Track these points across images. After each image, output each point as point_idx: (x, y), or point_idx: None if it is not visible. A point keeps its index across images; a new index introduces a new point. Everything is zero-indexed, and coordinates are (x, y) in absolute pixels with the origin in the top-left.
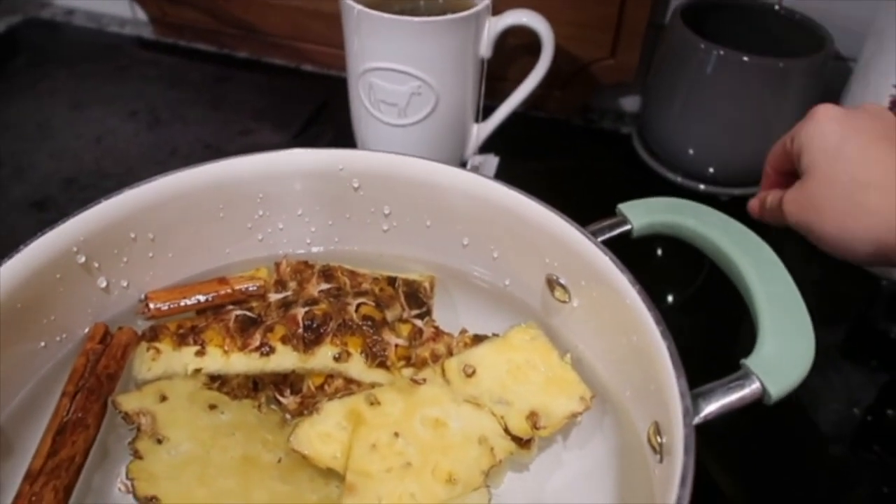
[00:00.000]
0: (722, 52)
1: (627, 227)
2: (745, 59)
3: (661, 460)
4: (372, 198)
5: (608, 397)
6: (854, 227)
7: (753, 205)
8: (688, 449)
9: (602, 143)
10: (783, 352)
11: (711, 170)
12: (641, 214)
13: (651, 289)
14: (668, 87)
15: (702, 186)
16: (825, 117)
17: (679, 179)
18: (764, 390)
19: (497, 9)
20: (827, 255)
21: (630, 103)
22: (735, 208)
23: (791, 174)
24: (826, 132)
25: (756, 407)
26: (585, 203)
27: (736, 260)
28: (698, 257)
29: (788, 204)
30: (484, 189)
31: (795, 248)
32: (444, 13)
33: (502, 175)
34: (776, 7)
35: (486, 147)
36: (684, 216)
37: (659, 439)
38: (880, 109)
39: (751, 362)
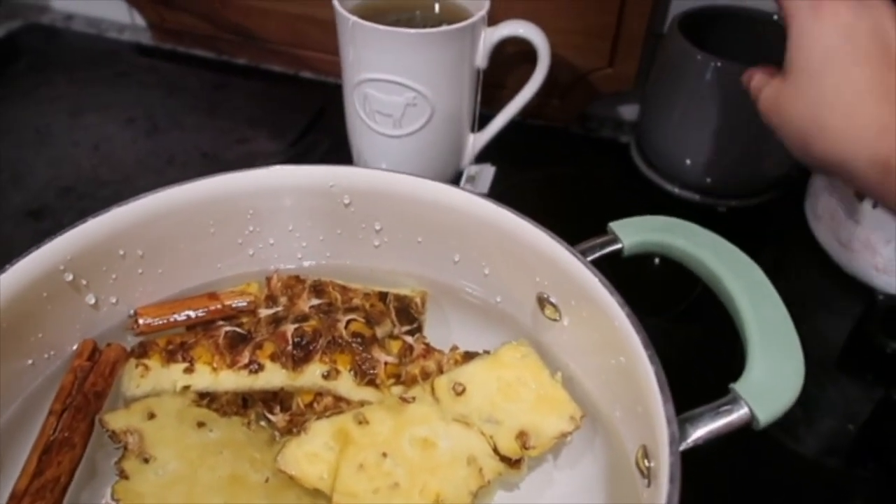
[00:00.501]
0: (719, 64)
1: (618, 246)
2: (743, 69)
3: (648, 485)
4: (363, 214)
5: (598, 417)
6: (813, 144)
7: (746, 75)
8: (673, 478)
9: (600, 152)
10: (772, 377)
11: (709, 180)
12: (632, 233)
13: (641, 307)
14: (666, 97)
15: (698, 197)
16: (830, 18)
17: (676, 190)
18: (752, 416)
19: (493, 19)
20: (825, 270)
21: (629, 112)
22: (732, 219)
23: None
24: (822, 35)
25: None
26: (582, 213)
27: (726, 281)
28: (690, 277)
29: (763, 99)
30: (475, 206)
31: (792, 262)
32: (439, 24)
33: (499, 184)
34: (775, 17)
35: (484, 156)
36: (675, 236)
37: (647, 463)
38: (888, 25)
39: (739, 387)
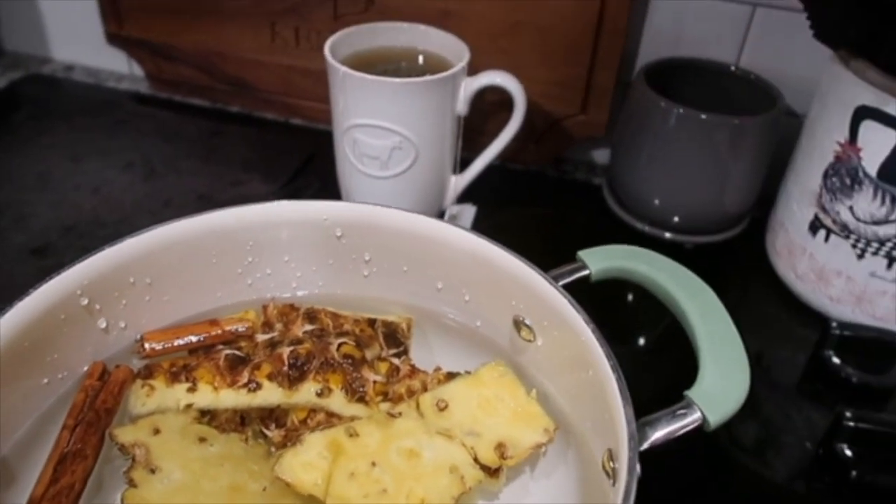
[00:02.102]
0: (682, 111)
1: (586, 272)
2: (704, 116)
3: (613, 484)
4: (354, 245)
5: (571, 430)
6: None
7: None
8: (631, 469)
9: (575, 194)
10: (721, 384)
11: (676, 219)
12: (599, 260)
13: (607, 329)
14: (634, 141)
15: (667, 235)
16: None
17: (646, 228)
18: (704, 419)
19: (473, 69)
20: (784, 300)
21: (601, 156)
22: (698, 255)
23: None
24: None
25: (718, 442)
26: (557, 248)
27: (681, 302)
28: (653, 301)
29: None
30: (456, 237)
31: (755, 294)
32: (423, 74)
33: (480, 223)
34: (732, 68)
35: (465, 197)
36: (637, 262)
37: (612, 465)
38: None
39: (692, 393)
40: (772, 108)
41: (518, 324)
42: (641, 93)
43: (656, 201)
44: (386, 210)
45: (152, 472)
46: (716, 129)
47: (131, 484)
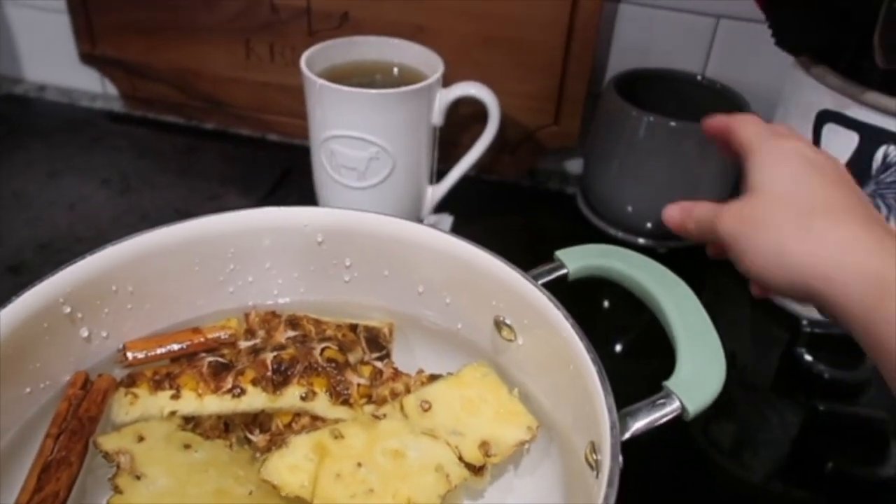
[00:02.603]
0: (652, 119)
1: (564, 271)
2: (673, 124)
3: (597, 476)
4: (334, 251)
5: (553, 426)
6: (793, 252)
7: (672, 212)
8: (614, 455)
9: (549, 203)
10: (698, 373)
11: (649, 224)
12: (576, 259)
13: (587, 327)
14: (606, 150)
15: (640, 240)
16: (792, 147)
17: (620, 234)
18: (683, 408)
19: (447, 81)
20: (756, 302)
21: (574, 166)
22: (671, 259)
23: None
24: (789, 158)
25: (696, 441)
26: (532, 257)
27: (657, 296)
28: (629, 298)
29: (726, 214)
30: (436, 240)
31: (727, 296)
32: (398, 86)
33: (457, 233)
34: (699, 77)
35: (441, 207)
36: (612, 260)
37: (595, 456)
38: (837, 161)
39: (671, 383)
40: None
41: (499, 324)
42: (612, 102)
43: (629, 208)
44: (366, 215)
45: (137, 478)
46: (685, 136)
47: (117, 490)
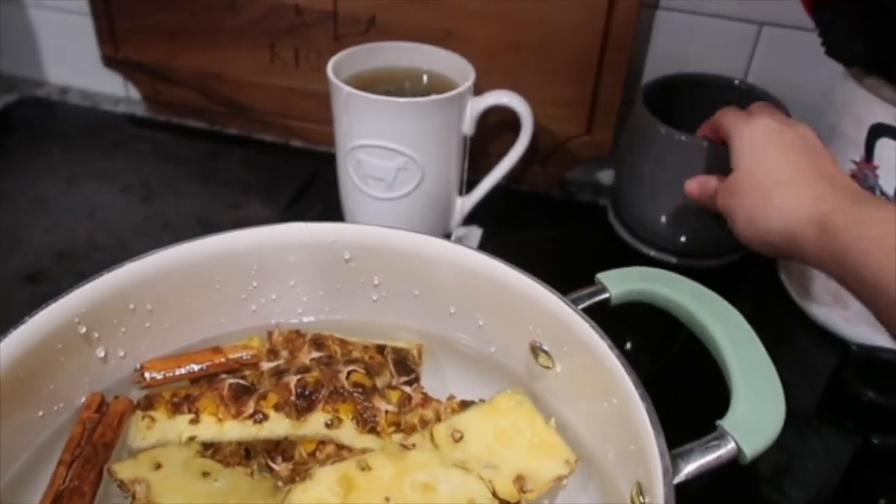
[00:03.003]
0: (683, 138)
1: (606, 296)
2: (706, 144)
3: None
4: (362, 269)
5: (592, 460)
6: (760, 221)
7: (692, 185)
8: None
9: (580, 216)
10: (756, 413)
11: (683, 240)
12: (619, 283)
13: (630, 354)
14: (635, 165)
15: (675, 259)
16: (761, 124)
17: (653, 253)
18: (739, 450)
19: (478, 88)
20: (799, 323)
21: (607, 176)
22: (708, 278)
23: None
24: (757, 136)
25: (737, 470)
26: (564, 273)
27: (708, 325)
28: (675, 324)
29: (720, 191)
30: (469, 260)
31: (769, 317)
32: (428, 93)
33: (486, 246)
34: (736, 82)
35: (470, 219)
36: (658, 284)
37: (642, 499)
38: (811, 134)
39: (726, 423)
40: None
41: (535, 350)
42: (641, 116)
43: (662, 222)
44: (396, 232)
45: None
46: (718, 154)
47: None
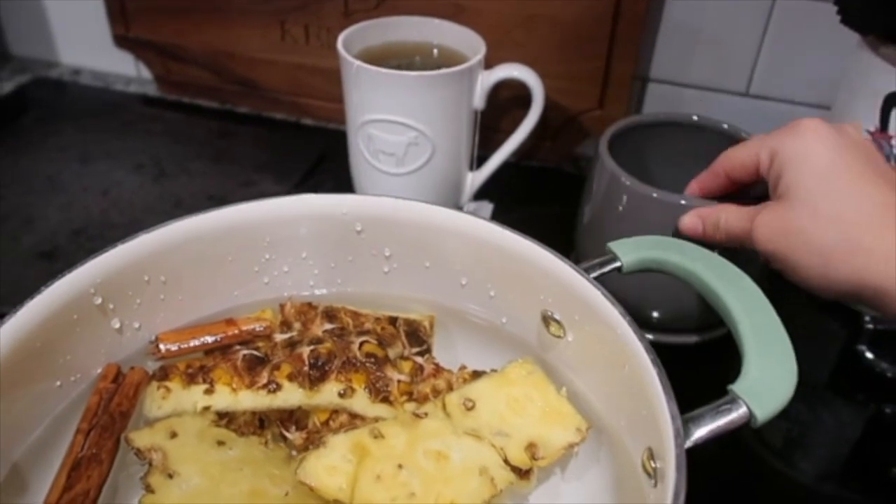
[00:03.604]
0: (655, 195)
1: (618, 264)
2: (654, 195)
3: (655, 485)
4: (373, 240)
5: (604, 428)
6: (840, 265)
7: (693, 221)
8: (679, 468)
9: None
10: (767, 377)
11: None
12: (630, 252)
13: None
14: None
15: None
16: (814, 137)
17: None
18: (751, 414)
19: (489, 63)
20: (811, 296)
21: None
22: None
23: (747, 185)
24: (816, 154)
25: (747, 441)
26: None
27: (720, 292)
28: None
29: (763, 227)
30: (481, 230)
31: (780, 289)
32: (438, 68)
33: (496, 221)
34: (695, 118)
35: (481, 194)
36: (669, 252)
37: (653, 464)
38: (859, 136)
39: (737, 387)
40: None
41: (547, 319)
42: (607, 168)
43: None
44: (408, 203)
45: (170, 476)
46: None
47: (148, 489)
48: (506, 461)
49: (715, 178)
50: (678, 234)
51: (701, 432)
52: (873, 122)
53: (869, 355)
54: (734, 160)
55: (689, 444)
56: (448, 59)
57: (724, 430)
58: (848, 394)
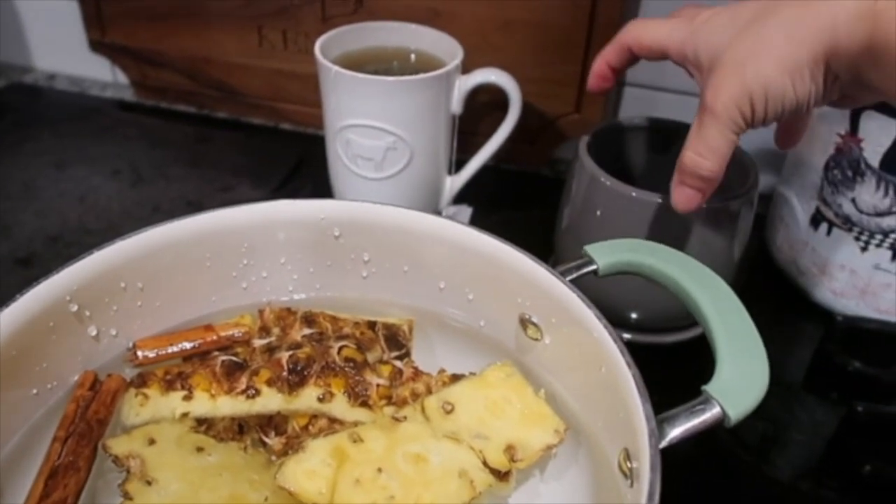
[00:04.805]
0: (634, 194)
1: (594, 267)
2: (633, 194)
3: (631, 485)
4: (352, 245)
5: (581, 429)
6: (785, 37)
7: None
8: (654, 467)
9: None
10: (740, 377)
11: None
12: (606, 254)
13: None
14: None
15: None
16: (708, 16)
17: None
18: (724, 414)
19: (467, 67)
20: (787, 296)
21: None
22: None
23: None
24: (717, 24)
25: (725, 441)
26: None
27: (694, 294)
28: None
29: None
30: (458, 234)
31: (757, 290)
32: (416, 73)
33: (475, 224)
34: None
35: (460, 198)
36: (644, 255)
37: (629, 464)
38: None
39: (710, 388)
40: (745, 183)
41: (524, 322)
42: (587, 169)
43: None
44: (385, 208)
45: (148, 483)
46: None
47: (126, 497)
48: (485, 463)
49: (620, 52)
50: (655, 235)
51: (675, 432)
52: (843, 126)
53: (841, 355)
54: (642, 42)
55: (663, 444)
56: (426, 64)
57: (698, 429)
58: (821, 392)
